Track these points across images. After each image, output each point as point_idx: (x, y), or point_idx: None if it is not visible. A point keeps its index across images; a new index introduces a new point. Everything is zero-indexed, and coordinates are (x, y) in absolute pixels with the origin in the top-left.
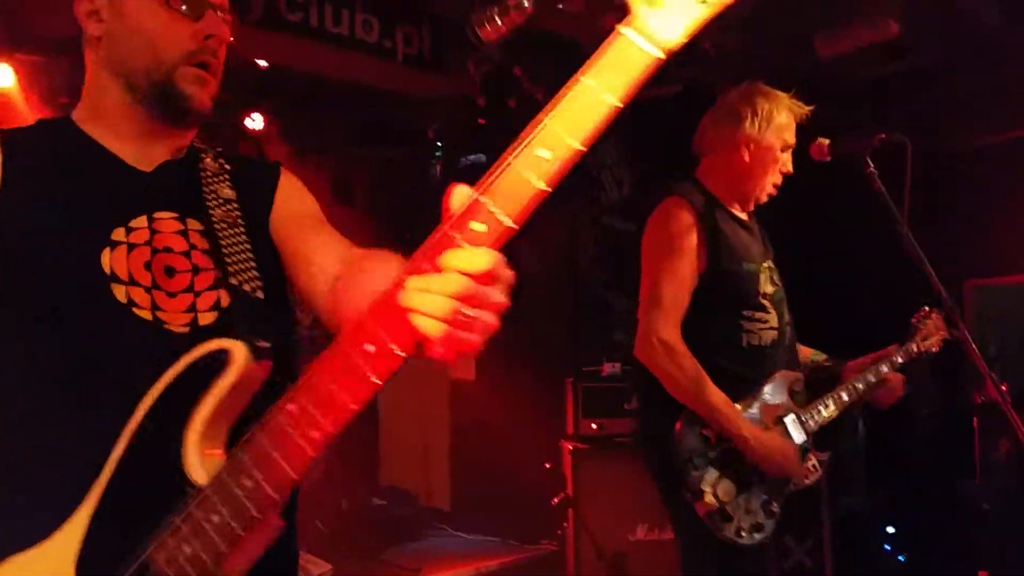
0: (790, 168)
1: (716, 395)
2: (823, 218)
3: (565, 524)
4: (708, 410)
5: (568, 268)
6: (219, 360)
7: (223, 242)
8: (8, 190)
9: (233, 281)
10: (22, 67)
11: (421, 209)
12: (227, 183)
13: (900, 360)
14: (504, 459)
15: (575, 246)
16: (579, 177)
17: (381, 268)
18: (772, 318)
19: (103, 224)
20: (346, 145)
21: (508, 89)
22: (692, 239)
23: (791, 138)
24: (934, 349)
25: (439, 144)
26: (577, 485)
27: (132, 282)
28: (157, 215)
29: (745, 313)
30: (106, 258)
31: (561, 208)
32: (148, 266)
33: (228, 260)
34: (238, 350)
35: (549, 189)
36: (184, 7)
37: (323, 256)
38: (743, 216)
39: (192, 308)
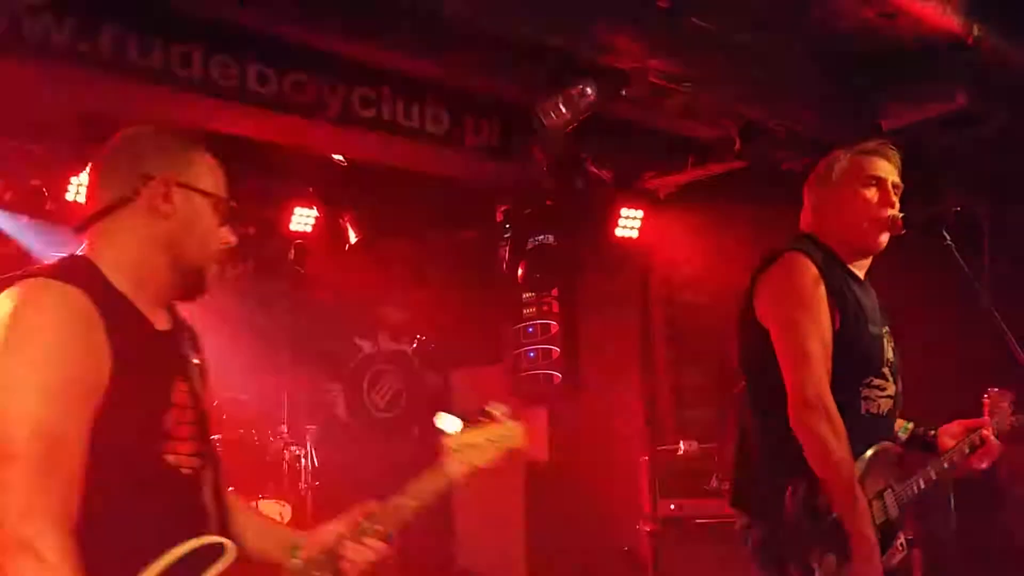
0: (892, 209)
1: (854, 479)
2: (900, 290)
3: None
4: (845, 491)
5: (641, 345)
6: (215, 550)
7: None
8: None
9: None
10: None
11: (492, 288)
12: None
13: (990, 435)
14: (580, 540)
15: (647, 323)
16: (647, 254)
17: None
18: (890, 386)
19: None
20: (419, 230)
21: (575, 172)
22: (821, 291)
23: (873, 170)
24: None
25: (508, 226)
26: (656, 567)
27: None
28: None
29: (868, 380)
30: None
31: (631, 286)
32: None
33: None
34: (230, 548)
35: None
36: (225, 217)
37: None
38: (860, 275)
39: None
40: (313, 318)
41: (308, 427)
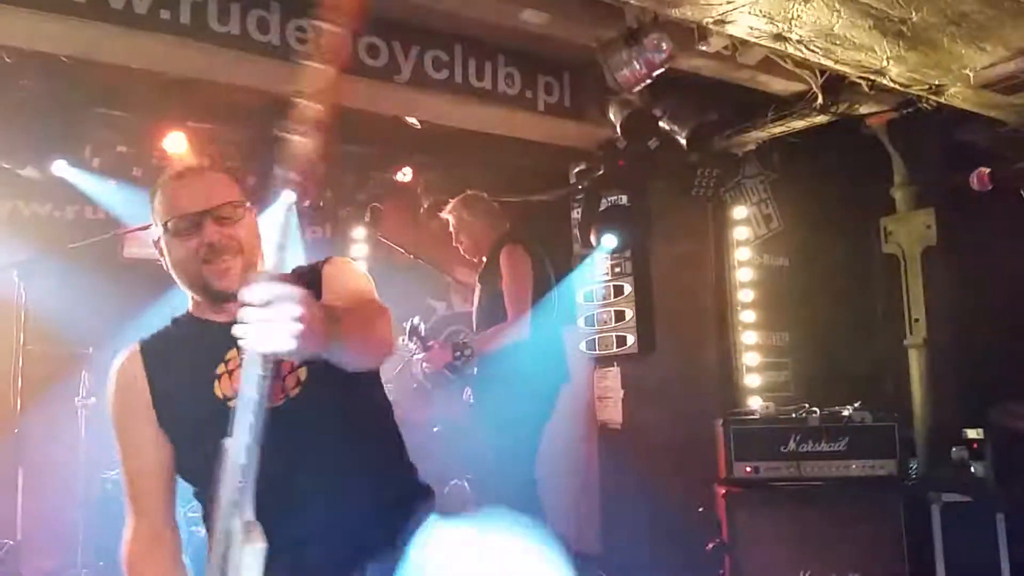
0: None
1: None
2: None
3: (721, 571)
4: None
5: (716, 307)
6: None
7: None
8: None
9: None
10: (193, 135)
11: (565, 250)
12: None
13: None
14: (655, 504)
15: (722, 285)
16: (725, 214)
17: None
18: None
19: (211, 369)
20: (491, 192)
21: (648, 131)
22: None
23: None
24: None
25: (580, 187)
26: (732, 530)
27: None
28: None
29: None
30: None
31: (707, 246)
32: None
33: None
34: None
35: None
36: (186, 233)
37: None
38: None
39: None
40: (388, 280)
41: (387, 385)
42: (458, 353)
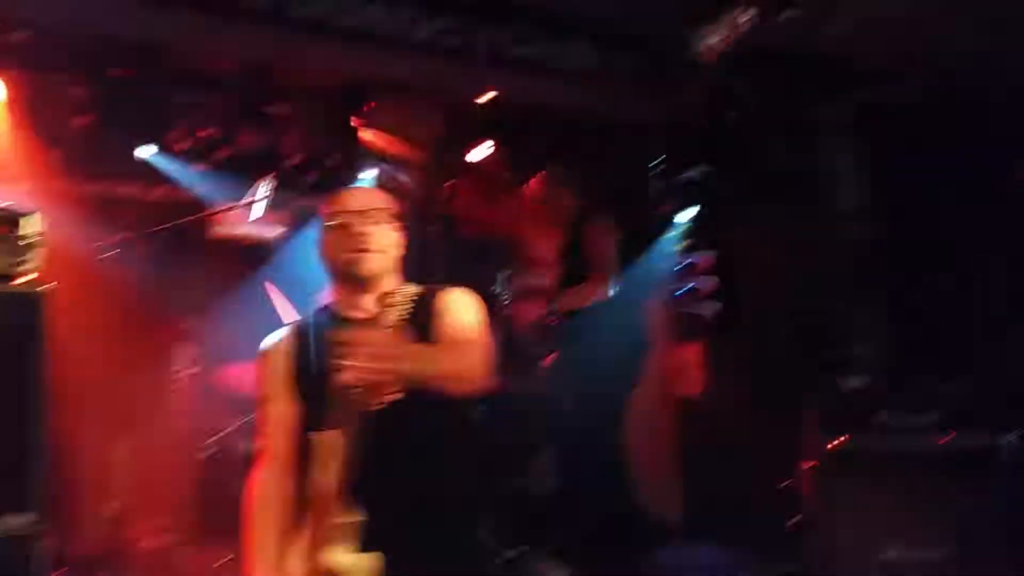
0: None
1: None
2: None
3: (803, 547)
4: None
5: (802, 279)
6: None
7: None
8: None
9: None
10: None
11: (646, 225)
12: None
13: None
14: (737, 477)
15: (809, 256)
16: (810, 186)
17: None
18: None
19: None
20: (570, 170)
21: (728, 104)
22: None
23: None
24: None
25: (660, 162)
26: (818, 504)
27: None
28: None
29: None
30: None
31: (793, 218)
32: None
33: None
34: None
35: None
36: (337, 230)
37: None
38: None
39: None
40: (462, 255)
41: None
42: (549, 311)
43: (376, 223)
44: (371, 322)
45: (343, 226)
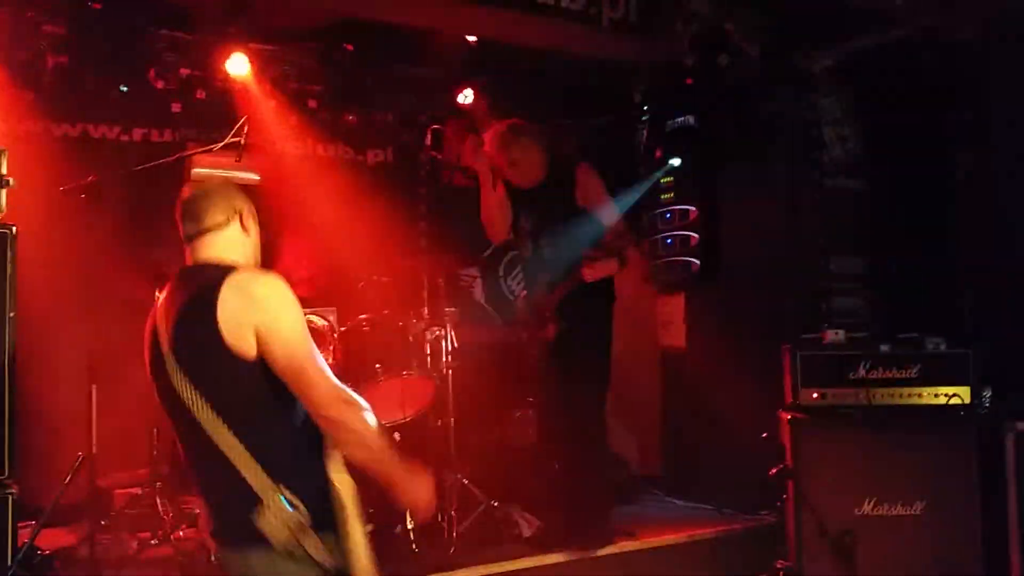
0: None
1: None
2: None
3: (784, 496)
4: None
5: (786, 231)
6: None
7: None
8: None
9: None
10: (255, 56)
11: (630, 173)
12: None
13: None
14: (717, 428)
15: (794, 208)
16: (797, 136)
17: None
18: None
19: None
20: (554, 115)
21: (718, 47)
22: None
23: None
24: None
25: (646, 108)
26: (797, 456)
27: None
28: None
29: None
30: None
31: (778, 169)
32: None
33: None
34: None
35: None
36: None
37: None
38: None
39: None
40: (450, 203)
41: (448, 309)
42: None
43: None
44: None
45: None
